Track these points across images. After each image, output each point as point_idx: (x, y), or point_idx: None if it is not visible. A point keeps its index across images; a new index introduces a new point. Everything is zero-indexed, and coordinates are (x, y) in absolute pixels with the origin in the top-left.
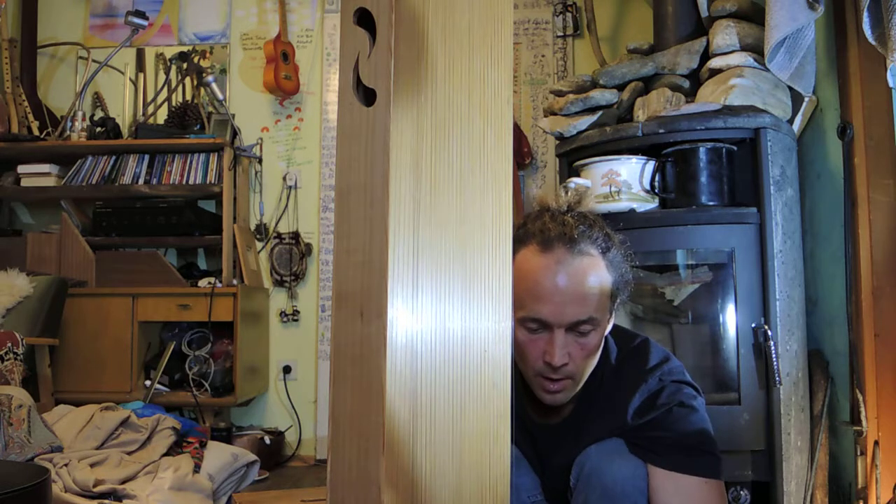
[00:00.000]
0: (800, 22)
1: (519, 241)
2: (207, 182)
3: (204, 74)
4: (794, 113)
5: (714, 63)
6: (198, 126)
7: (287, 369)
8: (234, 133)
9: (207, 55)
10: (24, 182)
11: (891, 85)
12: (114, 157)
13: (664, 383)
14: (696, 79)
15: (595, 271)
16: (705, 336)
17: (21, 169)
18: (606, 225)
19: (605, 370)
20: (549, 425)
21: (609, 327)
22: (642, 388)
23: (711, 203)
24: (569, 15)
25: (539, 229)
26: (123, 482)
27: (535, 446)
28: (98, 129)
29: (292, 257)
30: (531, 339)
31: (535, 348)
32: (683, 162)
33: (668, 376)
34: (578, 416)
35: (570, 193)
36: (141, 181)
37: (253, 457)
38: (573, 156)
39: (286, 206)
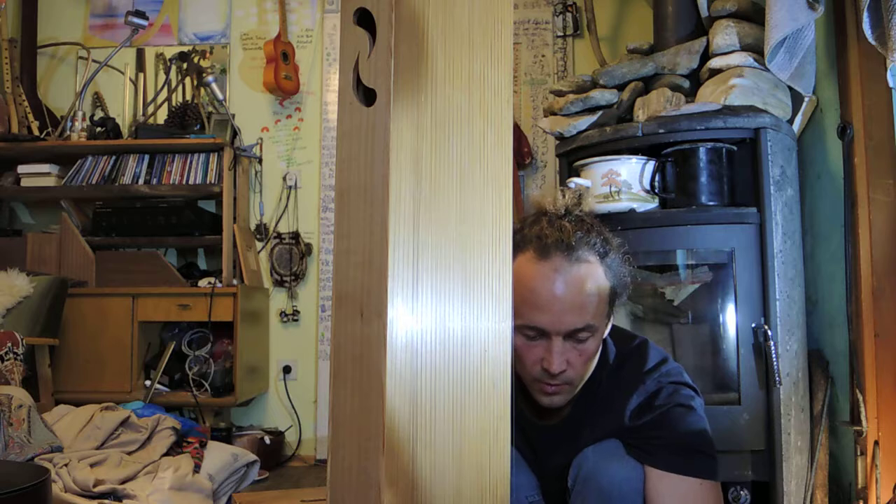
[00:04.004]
0: (800, 22)
1: (516, 247)
2: (207, 182)
3: (204, 74)
4: (794, 113)
5: (714, 63)
6: (198, 126)
7: (287, 369)
8: (234, 133)
9: (207, 55)
10: (24, 182)
11: (891, 85)
12: (114, 157)
13: (662, 384)
14: (696, 79)
15: (593, 278)
16: (705, 336)
17: (21, 169)
18: (604, 228)
19: (604, 371)
20: (547, 426)
21: (607, 330)
22: (640, 390)
23: (711, 203)
24: (569, 15)
25: (536, 235)
26: (123, 482)
27: (533, 447)
28: (98, 129)
29: (292, 257)
30: (529, 346)
31: (533, 355)
32: (683, 162)
33: (665, 378)
34: (576, 418)
35: (567, 196)
36: (141, 181)
37: (253, 457)
38: (573, 156)
39: (286, 206)
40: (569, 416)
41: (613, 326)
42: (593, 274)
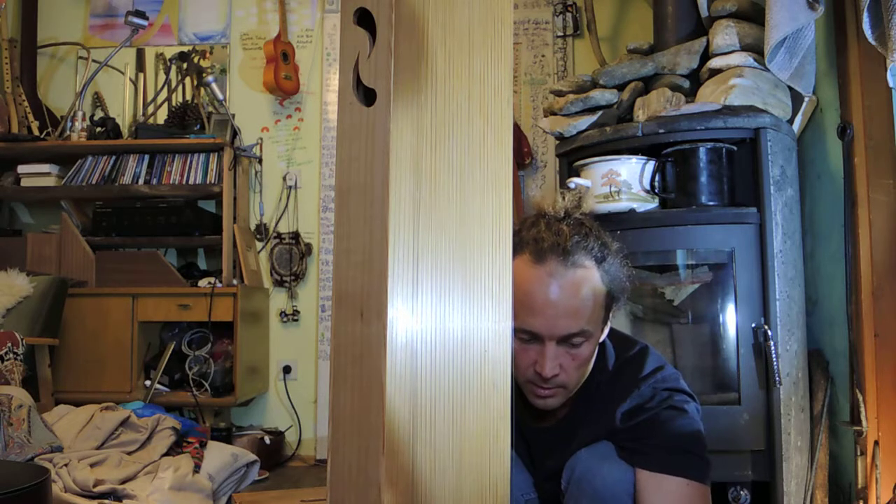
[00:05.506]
0: (800, 22)
1: (513, 249)
2: (207, 182)
3: (204, 74)
4: (794, 113)
5: (714, 63)
6: (198, 126)
7: (287, 369)
8: (234, 133)
9: (207, 55)
10: (24, 182)
11: (891, 85)
12: (114, 157)
13: (656, 390)
14: (696, 79)
15: (589, 283)
16: (705, 336)
17: (21, 169)
18: (604, 231)
19: (602, 377)
20: (543, 428)
21: (604, 335)
22: (634, 395)
23: (711, 203)
24: (569, 15)
25: (533, 238)
26: (123, 482)
27: (529, 448)
28: (98, 129)
29: (292, 257)
30: (522, 349)
31: (526, 358)
32: (683, 162)
33: (660, 384)
34: (572, 421)
35: (567, 198)
36: (141, 181)
37: (253, 457)
38: (573, 156)
39: (286, 206)
40: (564, 419)
41: (616, 332)
42: (589, 279)
